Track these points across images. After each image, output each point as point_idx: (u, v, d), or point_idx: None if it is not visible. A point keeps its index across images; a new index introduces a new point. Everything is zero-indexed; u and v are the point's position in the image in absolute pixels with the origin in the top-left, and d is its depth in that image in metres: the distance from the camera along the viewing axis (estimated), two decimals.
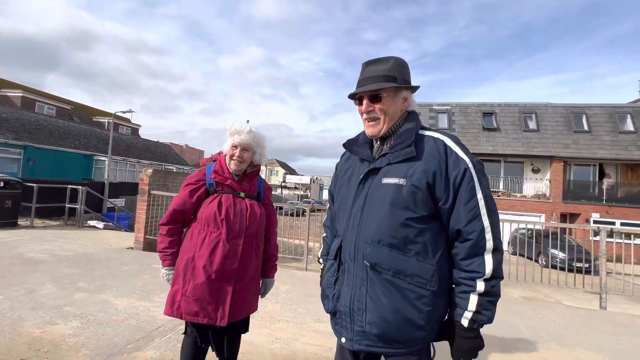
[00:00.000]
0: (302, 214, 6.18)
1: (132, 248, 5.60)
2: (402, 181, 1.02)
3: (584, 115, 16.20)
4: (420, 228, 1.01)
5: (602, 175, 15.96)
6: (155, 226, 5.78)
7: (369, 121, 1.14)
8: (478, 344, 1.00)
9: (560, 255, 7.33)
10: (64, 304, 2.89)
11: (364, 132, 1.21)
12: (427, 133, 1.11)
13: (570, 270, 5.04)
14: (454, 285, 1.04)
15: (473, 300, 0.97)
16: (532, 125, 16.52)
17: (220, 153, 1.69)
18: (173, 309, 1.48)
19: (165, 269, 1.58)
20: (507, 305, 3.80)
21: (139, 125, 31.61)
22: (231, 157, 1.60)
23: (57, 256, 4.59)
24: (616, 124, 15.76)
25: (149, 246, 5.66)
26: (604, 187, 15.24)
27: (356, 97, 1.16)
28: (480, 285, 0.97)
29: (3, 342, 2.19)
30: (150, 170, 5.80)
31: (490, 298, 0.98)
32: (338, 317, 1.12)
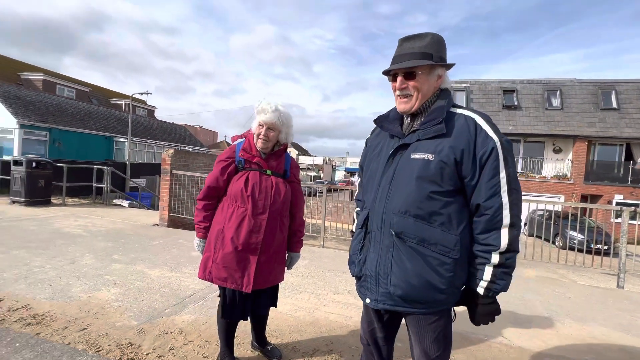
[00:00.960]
0: (316, 194, 6.32)
1: (157, 225, 5.91)
2: (430, 157, 1.07)
3: (613, 92, 15.32)
4: (446, 201, 1.07)
5: (629, 155, 15.25)
6: (178, 204, 6.04)
7: (401, 97, 1.16)
8: (495, 309, 1.10)
9: (579, 237, 7.24)
10: (103, 273, 3.16)
11: (394, 109, 1.24)
12: (459, 111, 1.13)
13: (589, 252, 4.97)
14: (471, 258, 1.12)
15: (488, 271, 1.06)
16: (555, 103, 15.79)
17: (249, 131, 1.76)
18: (205, 273, 1.64)
19: (198, 240, 1.74)
20: (523, 282, 3.86)
21: (155, 107, 32.06)
22: (257, 135, 1.67)
23: (91, 231, 4.92)
24: None
25: (174, 223, 5.96)
26: (638, 167, 14.55)
27: (390, 74, 1.17)
28: (495, 258, 1.05)
29: (57, 305, 2.44)
30: (171, 151, 6.00)
31: (504, 269, 1.06)
32: (363, 280, 1.21)
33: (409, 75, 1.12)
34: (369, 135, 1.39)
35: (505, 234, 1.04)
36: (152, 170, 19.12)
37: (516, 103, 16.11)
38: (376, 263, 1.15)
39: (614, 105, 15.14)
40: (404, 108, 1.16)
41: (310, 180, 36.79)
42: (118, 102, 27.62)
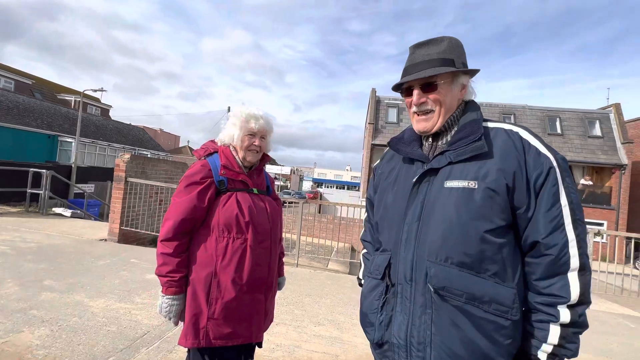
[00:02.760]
0: (285, 205, 5.97)
1: (105, 240, 5.15)
2: (472, 184, 0.84)
3: (557, 119, 16.98)
4: (499, 243, 0.83)
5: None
6: (133, 216, 5.33)
7: (419, 114, 0.96)
8: None
9: None
10: (28, 307, 2.52)
11: (409, 129, 1.04)
12: (492, 125, 0.93)
13: None
14: (527, 312, 0.86)
15: (554, 331, 0.80)
16: None
17: (214, 142, 1.44)
18: (199, 337, 1.21)
19: (170, 298, 1.23)
20: None
21: (110, 106, 29.65)
22: (246, 147, 1.37)
23: (19, 248, 4.09)
24: (586, 128, 16.67)
25: (125, 238, 5.23)
26: (580, 188, 16.11)
27: (403, 87, 0.98)
28: (565, 314, 0.79)
29: None
30: (127, 156, 5.32)
31: (576, 329, 0.80)
32: (388, 350, 0.93)
33: (428, 86, 0.93)
34: (378, 162, 1.16)
35: (575, 280, 0.79)
36: (103, 175, 17.41)
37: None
38: (407, 328, 0.88)
39: (559, 131, 16.76)
40: (424, 127, 0.96)
41: (278, 190, 36.16)
42: (67, 97, 25.10)
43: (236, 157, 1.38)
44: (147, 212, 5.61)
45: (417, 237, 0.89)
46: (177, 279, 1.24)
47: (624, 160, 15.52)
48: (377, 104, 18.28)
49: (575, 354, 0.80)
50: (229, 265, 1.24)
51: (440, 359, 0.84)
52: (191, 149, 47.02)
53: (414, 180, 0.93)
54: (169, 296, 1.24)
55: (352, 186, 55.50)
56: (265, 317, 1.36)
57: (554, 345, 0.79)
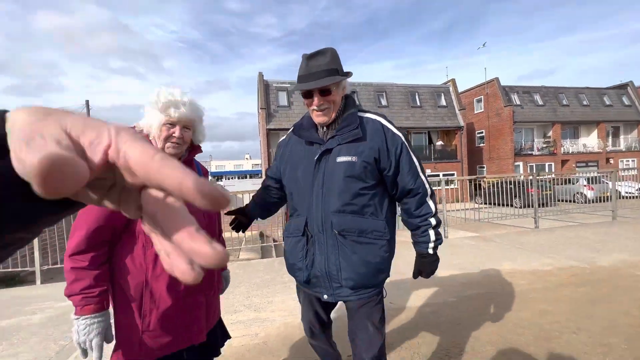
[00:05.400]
0: None
1: None
2: (354, 158, 1.23)
3: (416, 94, 20.55)
4: (371, 194, 1.27)
5: (430, 140, 20.97)
6: None
7: (318, 111, 1.27)
8: (437, 262, 1.36)
9: None
10: None
11: (307, 117, 1.36)
12: (364, 115, 1.32)
13: None
14: (413, 231, 1.35)
15: (432, 233, 1.32)
16: (383, 102, 19.79)
17: (141, 133, 1.25)
18: (133, 352, 1.10)
19: (87, 318, 1.03)
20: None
21: None
22: (166, 139, 1.15)
23: None
24: (435, 100, 20.75)
25: None
26: (436, 148, 20.23)
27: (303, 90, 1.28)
28: (433, 220, 1.32)
29: None
30: None
31: (439, 227, 1.35)
32: (315, 283, 1.32)
33: (325, 91, 1.24)
34: (283, 138, 1.51)
35: (431, 201, 1.32)
36: None
37: (357, 103, 19.12)
38: (325, 263, 1.27)
39: (418, 103, 20.37)
40: (324, 120, 1.28)
41: None
42: None
43: (161, 149, 1.24)
44: None
45: (323, 200, 1.26)
46: (95, 294, 1.05)
47: (461, 123, 20.18)
48: (266, 89, 18.16)
49: (442, 241, 1.36)
50: (163, 272, 1.11)
51: (349, 277, 1.25)
52: None
53: (316, 158, 1.28)
54: (90, 316, 1.04)
55: (254, 174, 54.51)
56: (208, 317, 1.28)
57: (434, 241, 1.33)
